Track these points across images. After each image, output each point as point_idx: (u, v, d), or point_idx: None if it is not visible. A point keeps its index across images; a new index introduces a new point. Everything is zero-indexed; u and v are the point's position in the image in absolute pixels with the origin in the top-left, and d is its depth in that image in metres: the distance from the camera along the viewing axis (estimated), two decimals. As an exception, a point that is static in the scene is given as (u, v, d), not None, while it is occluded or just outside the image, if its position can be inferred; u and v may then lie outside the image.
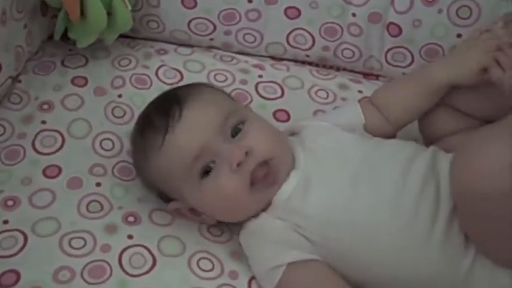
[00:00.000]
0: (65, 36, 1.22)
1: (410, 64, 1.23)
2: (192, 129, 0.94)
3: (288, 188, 0.95)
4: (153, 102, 1.03)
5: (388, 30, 1.21)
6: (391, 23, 1.20)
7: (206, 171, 0.94)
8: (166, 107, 0.97)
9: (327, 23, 1.24)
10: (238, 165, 0.92)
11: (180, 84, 1.20)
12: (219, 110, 0.96)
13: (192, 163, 0.94)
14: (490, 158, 0.83)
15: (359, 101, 1.08)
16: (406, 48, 1.22)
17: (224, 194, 0.94)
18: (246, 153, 0.93)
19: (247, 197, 0.94)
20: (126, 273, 0.93)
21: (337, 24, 1.23)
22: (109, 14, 1.16)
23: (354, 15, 1.22)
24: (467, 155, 0.86)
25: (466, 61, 0.98)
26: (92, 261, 0.93)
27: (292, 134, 1.06)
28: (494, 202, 0.83)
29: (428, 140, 1.07)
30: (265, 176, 0.94)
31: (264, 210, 0.97)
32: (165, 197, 1.01)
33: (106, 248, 0.95)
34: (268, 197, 0.96)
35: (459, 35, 1.17)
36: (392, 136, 1.06)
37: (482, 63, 0.96)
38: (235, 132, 0.96)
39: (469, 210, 0.87)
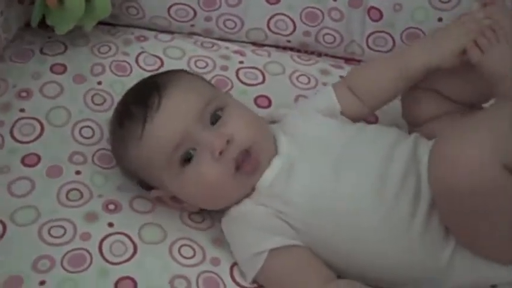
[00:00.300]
0: (43, 24, 1.20)
1: (391, 49, 1.23)
2: (171, 118, 0.93)
3: (271, 173, 0.95)
4: (132, 90, 1.02)
5: (369, 15, 1.20)
6: (372, 7, 1.20)
7: (187, 159, 0.94)
8: (145, 95, 0.95)
9: (307, 7, 1.23)
10: (221, 153, 0.92)
11: (160, 70, 1.18)
12: (198, 97, 0.95)
13: (173, 152, 0.93)
14: (466, 153, 0.82)
15: (334, 85, 1.07)
16: (387, 33, 1.21)
17: (206, 182, 0.93)
18: (228, 142, 0.92)
19: (230, 184, 0.94)
20: (107, 261, 0.92)
21: (318, 9, 1.23)
22: (87, 0, 1.15)
23: (334, -1, 1.21)
24: (443, 151, 0.85)
25: (445, 43, 0.97)
26: (72, 250, 0.92)
27: (273, 122, 1.05)
28: (469, 197, 0.82)
29: (412, 125, 1.06)
30: (249, 162, 0.93)
31: (247, 196, 0.96)
32: (145, 185, 1.00)
33: (86, 236, 0.94)
34: (251, 183, 0.95)
35: (440, 19, 1.17)
36: (369, 118, 1.06)
37: (462, 45, 0.95)
38: (215, 119, 0.95)
39: (446, 205, 0.87)
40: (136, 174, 0.99)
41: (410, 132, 1.03)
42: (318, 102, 1.06)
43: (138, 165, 0.97)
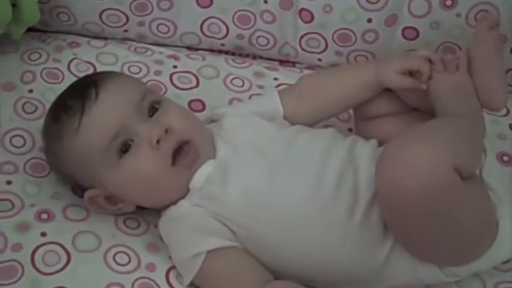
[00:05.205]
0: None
1: (324, 50, 1.24)
2: (109, 109, 0.93)
3: (202, 174, 0.94)
4: (67, 88, 1.01)
5: (300, 16, 1.21)
6: (303, 9, 1.20)
7: (124, 149, 0.93)
8: (83, 89, 0.95)
9: (239, 10, 1.23)
10: (158, 142, 0.92)
11: (93, 77, 1.18)
12: (135, 91, 0.96)
13: (110, 142, 0.92)
14: (422, 154, 0.82)
15: (280, 91, 1.07)
16: (319, 34, 1.22)
17: (144, 172, 0.92)
18: (166, 131, 0.92)
19: (167, 176, 0.93)
20: (39, 272, 0.90)
21: (250, 11, 1.23)
22: (14, 6, 1.13)
23: (265, 2, 1.21)
24: (395, 152, 0.85)
25: (394, 60, 1.00)
26: (2, 262, 0.90)
27: (212, 121, 1.06)
28: (419, 198, 0.82)
29: (359, 118, 1.07)
30: (187, 154, 0.93)
31: (183, 198, 0.96)
32: (80, 189, 0.99)
33: (17, 248, 0.92)
34: (187, 178, 0.94)
35: (369, 20, 1.18)
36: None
37: (408, 65, 0.98)
38: (153, 111, 0.95)
39: (391, 207, 0.86)
40: (71, 173, 0.98)
41: (355, 126, 1.05)
42: (259, 104, 1.06)
43: (73, 162, 0.95)
